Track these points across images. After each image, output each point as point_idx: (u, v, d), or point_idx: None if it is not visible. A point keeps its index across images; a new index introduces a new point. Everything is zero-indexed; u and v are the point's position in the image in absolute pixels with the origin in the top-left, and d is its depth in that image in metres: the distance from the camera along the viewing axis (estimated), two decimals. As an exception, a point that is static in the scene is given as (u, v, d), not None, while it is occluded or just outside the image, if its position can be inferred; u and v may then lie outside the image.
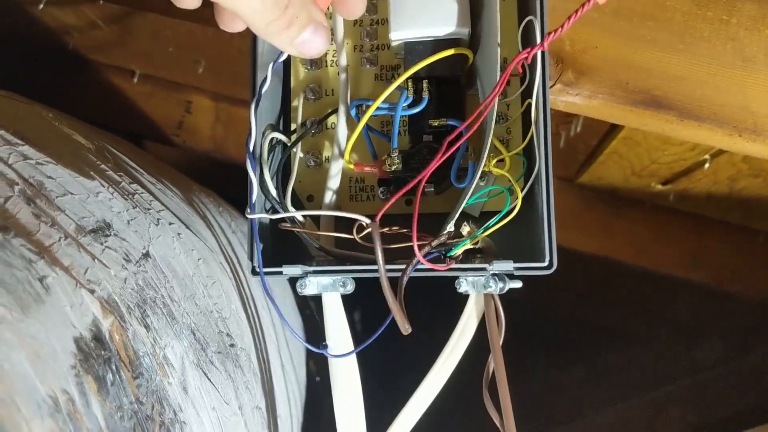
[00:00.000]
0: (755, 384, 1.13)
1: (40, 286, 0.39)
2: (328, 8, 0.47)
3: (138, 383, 0.43)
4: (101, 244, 0.45)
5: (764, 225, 1.00)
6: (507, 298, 0.51)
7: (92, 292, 0.42)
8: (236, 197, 0.73)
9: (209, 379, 0.50)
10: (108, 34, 0.97)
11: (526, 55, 0.47)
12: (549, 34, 0.45)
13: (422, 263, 0.48)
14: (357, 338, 0.53)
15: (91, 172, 0.49)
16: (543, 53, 0.49)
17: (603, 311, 1.23)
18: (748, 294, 1.06)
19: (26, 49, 1.05)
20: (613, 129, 0.82)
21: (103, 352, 0.41)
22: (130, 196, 0.52)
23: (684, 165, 0.86)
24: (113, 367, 0.41)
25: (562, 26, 0.44)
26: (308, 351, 0.87)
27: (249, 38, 0.53)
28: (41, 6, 0.89)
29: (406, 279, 0.47)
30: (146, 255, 0.49)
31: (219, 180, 0.88)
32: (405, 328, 0.47)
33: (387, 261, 0.49)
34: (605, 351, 1.21)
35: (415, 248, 0.46)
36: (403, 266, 0.49)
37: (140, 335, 0.44)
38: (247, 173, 0.51)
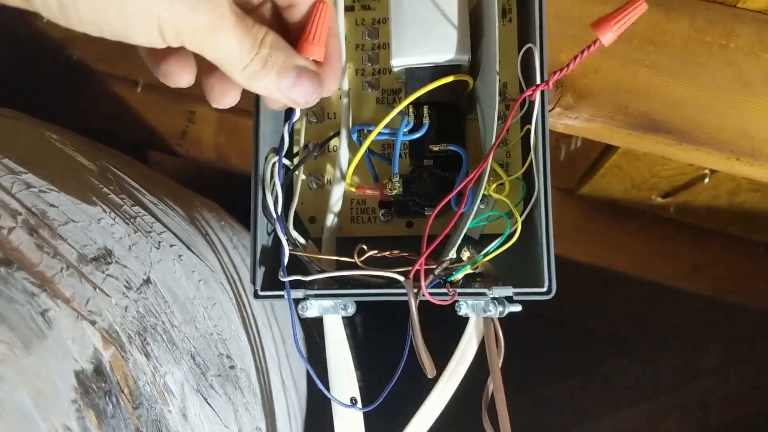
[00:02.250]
0: (754, 392, 1.13)
1: (42, 321, 0.39)
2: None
3: (138, 414, 0.43)
4: (102, 272, 0.45)
5: (764, 236, 1.00)
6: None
7: (93, 323, 0.42)
8: (239, 207, 0.74)
9: (209, 404, 0.50)
10: (111, 45, 0.97)
11: (530, 92, 0.47)
12: (554, 73, 0.45)
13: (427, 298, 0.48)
14: (357, 357, 0.53)
15: (94, 198, 0.50)
16: (542, 75, 0.49)
17: (603, 321, 1.23)
18: (748, 304, 1.07)
19: (30, 60, 1.05)
20: (613, 144, 0.82)
21: (103, 385, 0.41)
22: (131, 220, 0.52)
23: (684, 179, 0.86)
24: (113, 399, 0.41)
25: (568, 66, 0.45)
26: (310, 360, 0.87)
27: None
28: (46, 19, 0.90)
29: (417, 322, 0.48)
30: (147, 281, 0.49)
31: (222, 190, 0.88)
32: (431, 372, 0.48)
33: (387, 285, 0.49)
34: (604, 360, 1.21)
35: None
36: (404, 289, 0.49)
37: (140, 364, 0.45)
38: (250, 185, 0.52)
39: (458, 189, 0.49)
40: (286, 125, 0.52)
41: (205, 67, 0.44)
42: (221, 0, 0.38)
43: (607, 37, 0.43)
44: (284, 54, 0.42)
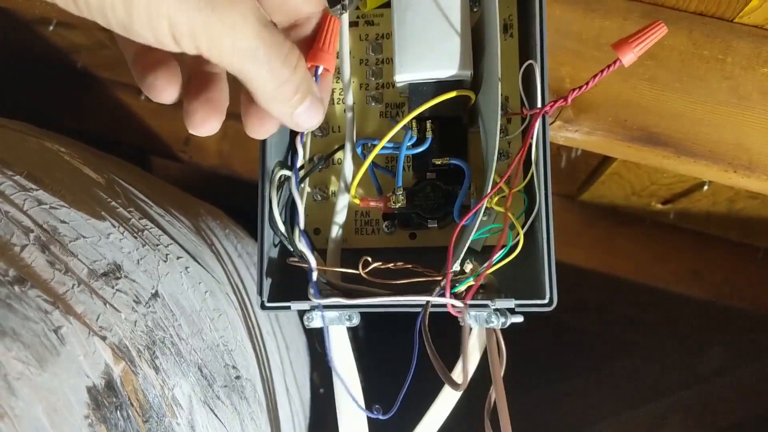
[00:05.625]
0: (755, 395, 1.13)
1: (56, 338, 0.40)
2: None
3: (148, 427, 0.44)
4: (112, 287, 0.46)
5: (763, 242, 1.01)
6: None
7: (104, 338, 0.43)
8: (242, 213, 0.74)
9: (216, 415, 0.51)
10: (116, 53, 0.97)
11: (548, 108, 0.48)
12: (573, 90, 0.46)
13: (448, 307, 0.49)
14: (361, 364, 0.54)
15: (102, 212, 0.50)
16: (543, 92, 0.50)
17: (604, 325, 1.24)
18: (748, 308, 1.07)
19: (36, 68, 1.06)
20: (613, 151, 0.83)
21: (114, 399, 0.42)
22: (139, 233, 0.53)
23: (683, 187, 0.87)
24: (124, 413, 0.42)
25: (587, 84, 0.45)
26: (311, 364, 0.88)
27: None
28: (51, 27, 0.91)
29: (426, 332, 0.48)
30: (155, 295, 0.50)
31: (225, 196, 0.89)
32: (457, 385, 0.48)
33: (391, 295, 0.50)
34: (606, 363, 1.22)
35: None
36: (409, 300, 0.50)
37: (150, 378, 0.45)
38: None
39: (479, 205, 0.49)
40: (299, 136, 0.52)
41: (243, 95, 0.42)
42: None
43: (628, 57, 0.44)
44: (310, 81, 0.41)
